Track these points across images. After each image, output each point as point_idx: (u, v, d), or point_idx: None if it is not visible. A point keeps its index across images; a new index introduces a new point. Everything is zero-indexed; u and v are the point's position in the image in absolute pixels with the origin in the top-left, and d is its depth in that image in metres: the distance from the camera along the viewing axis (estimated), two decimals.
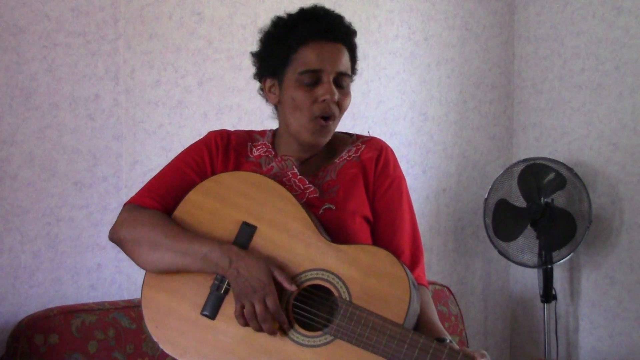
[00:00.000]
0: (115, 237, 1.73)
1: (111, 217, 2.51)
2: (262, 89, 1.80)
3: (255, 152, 1.81)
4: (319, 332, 1.57)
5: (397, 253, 1.74)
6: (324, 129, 1.72)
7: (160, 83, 2.63)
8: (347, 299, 1.56)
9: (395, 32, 3.32)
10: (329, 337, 1.55)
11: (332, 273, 1.59)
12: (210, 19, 2.74)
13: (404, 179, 1.83)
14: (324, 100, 1.69)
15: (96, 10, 2.48)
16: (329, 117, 1.71)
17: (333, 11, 1.75)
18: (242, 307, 1.57)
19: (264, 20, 1.80)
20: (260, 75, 1.79)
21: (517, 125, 3.79)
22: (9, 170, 2.32)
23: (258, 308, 1.55)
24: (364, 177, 1.77)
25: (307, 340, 1.56)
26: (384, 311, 1.54)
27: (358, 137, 1.85)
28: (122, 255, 2.50)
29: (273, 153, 1.80)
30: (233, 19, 2.80)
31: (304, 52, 1.69)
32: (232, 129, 1.86)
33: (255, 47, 1.81)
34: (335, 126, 1.75)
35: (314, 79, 1.69)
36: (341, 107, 1.72)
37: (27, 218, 2.36)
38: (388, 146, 1.83)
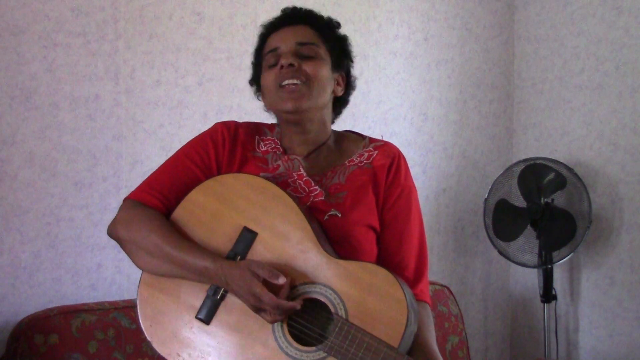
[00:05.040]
0: (113, 234, 1.73)
1: (111, 217, 2.50)
2: (262, 99, 1.84)
3: (263, 147, 1.79)
4: (313, 348, 1.55)
5: (401, 265, 1.73)
6: (290, 93, 1.69)
7: (160, 83, 2.63)
8: (344, 316, 1.55)
9: (395, 32, 3.32)
10: (322, 354, 1.54)
11: (330, 288, 1.57)
12: (210, 19, 2.74)
13: (415, 189, 1.81)
14: (281, 67, 1.69)
15: (96, 10, 2.48)
16: (289, 84, 1.69)
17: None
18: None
19: (264, 20, 1.81)
20: (257, 89, 1.84)
21: (517, 125, 3.79)
22: (9, 170, 2.32)
23: (264, 315, 1.56)
24: (375, 185, 1.74)
25: (299, 355, 1.55)
26: (379, 332, 1.52)
27: (371, 140, 1.83)
28: (122, 255, 2.50)
29: (281, 150, 1.78)
30: (233, 19, 2.80)
31: (268, 42, 1.77)
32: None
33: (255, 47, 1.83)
34: (311, 92, 1.70)
35: (275, 58, 1.73)
36: (307, 74, 1.70)
37: (27, 218, 2.35)
38: (401, 153, 1.81)
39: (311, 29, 1.75)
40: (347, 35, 1.84)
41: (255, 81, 1.83)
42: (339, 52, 1.79)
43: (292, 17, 1.77)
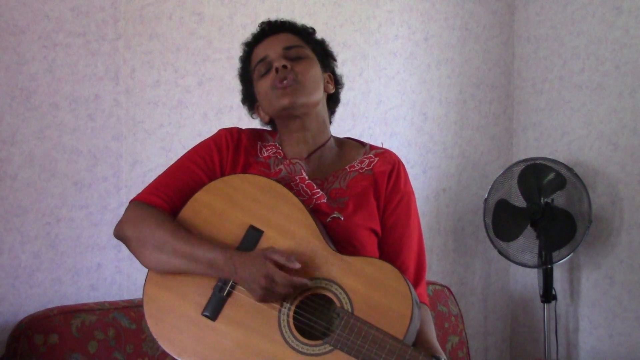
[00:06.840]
0: (120, 234, 1.73)
1: (111, 217, 2.52)
2: (257, 115, 1.89)
3: (265, 153, 1.82)
4: (319, 342, 1.57)
5: (402, 269, 1.75)
6: (286, 89, 1.74)
7: (160, 83, 2.63)
8: (349, 310, 1.57)
9: (395, 32, 3.32)
10: (328, 347, 1.56)
11: (336, 283, 1.60)
12: (210, 19, 2.74)
13: (414, 195, 1.85)
14: (276, 70, 1.75)
15: (96, 10, 2.48)
16: (283, 80, 1.74)
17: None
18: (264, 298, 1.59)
19: (244, 40, 1.88)
20: (249, 107, 1.90)
21: (517, 125, 3.79)
22: (9, 170, 2.32)
23: (277, 288, 1.56)
24: (375, 191, 1.78)
25: (306, 349, 1.57)
26: (384, 325, 1.54)
27: (371, 147, 1.87)
28: (122, 255, 2.51)
29: (282, 154, 1.81)
30: (233, 19, 2.80)
31: (254, 54, 1.83)
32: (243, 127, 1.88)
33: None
34: (305, 89, 1.75)
35: (266, 66, 1.78)
36: (300, 73, 1.75)
37: (27, 218, 2.35)
38: (400, 160, 1.86)
39: (292, 35, 1.83)
40: (325, 39, 1.92)
41: (247, 100, 1.89)
42: (322, 52, 1.86)
43: (271, 28, 1.84)
